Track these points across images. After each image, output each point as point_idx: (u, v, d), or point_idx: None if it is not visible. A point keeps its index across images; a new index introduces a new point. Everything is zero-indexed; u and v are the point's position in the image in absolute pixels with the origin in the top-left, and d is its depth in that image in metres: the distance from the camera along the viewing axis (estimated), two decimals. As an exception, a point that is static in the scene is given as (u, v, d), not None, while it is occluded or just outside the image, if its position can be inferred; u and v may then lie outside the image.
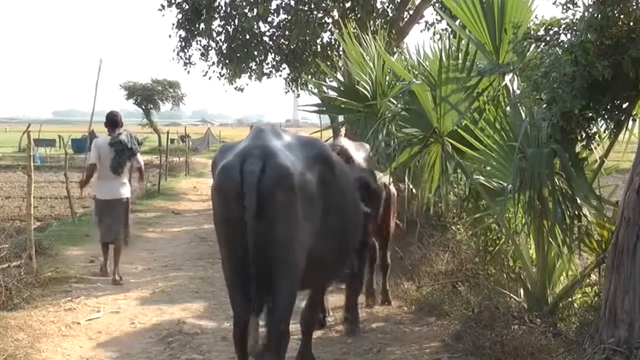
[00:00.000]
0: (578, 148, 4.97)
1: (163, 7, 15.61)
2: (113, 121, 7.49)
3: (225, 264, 3.75)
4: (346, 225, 4.25)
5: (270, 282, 3.50)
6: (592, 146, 4.90)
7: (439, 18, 16.05)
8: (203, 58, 16.49)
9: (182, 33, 16.00)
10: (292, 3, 14.76)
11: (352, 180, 4.72)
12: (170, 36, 16.17)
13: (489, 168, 5.73)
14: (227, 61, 16.04)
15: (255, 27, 15.34)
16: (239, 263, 3.54)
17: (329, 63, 13.96)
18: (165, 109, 42.95)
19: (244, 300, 3.56)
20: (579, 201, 4.87)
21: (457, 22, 7.18)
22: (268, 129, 3.93)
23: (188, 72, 17.48)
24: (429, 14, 24.74)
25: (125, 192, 7.55)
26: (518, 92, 5.31)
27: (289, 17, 14.76)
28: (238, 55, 15.59)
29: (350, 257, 4.72)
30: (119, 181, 7.45)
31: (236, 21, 15.24)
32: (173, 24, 15.86)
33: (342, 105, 7.91)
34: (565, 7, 4.53)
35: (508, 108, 5.50)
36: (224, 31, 15.68)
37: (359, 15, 14.02)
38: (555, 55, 4.48)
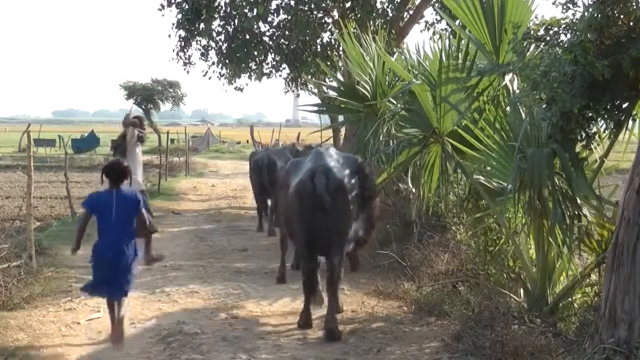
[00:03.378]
0: (578, 148, 4.97)
1: (163, 7, 15.60)
2: (126, 124, 8.47)
3: (299, 237, 5.85)
4: (371, 212, 6.25)
5: (329, 245, 5.60)
6: (592, 146, 4.91)
7: (439, 18, 16.04)
8: (203, 58, 16.47)
9: (182, 33, 15.98)
10: (292, 3, 14.74)
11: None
12: (170, 36, 16.17)
13: (489, 168, 5.73)
14: (227, 61, 16.01)
15: (255, 27, 15.32)
16: (308, 236, 5.65)
17: (329, 63, 13.96)
18: (165, 109, 42.97)
19: (311, 259, 5.71)
20: (579, 201, 4.87)
21: (457, 22, 7.18)
22: (324, 151, 6.03)
23: (187, 72, 17.48)
24: (429, 14, 24.75)
25: (135, 186, 8.07)
26: (518, 92, 5.31)
27: (289, 17, 14.73)
28: (238, 55, 15.57)
29: (372, 232, 6.65)
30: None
31: (236, 21, 15.22)
32: (173, 24, 15.84)
33: (342, 105, 7.91)
34: (565, 7, 4.53)
35: (508, 108, 5.51)
36: (223, 31, 15.66)
37: (359, 15, 14.00)
38: (554, 54, 4.48)
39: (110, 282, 5.14)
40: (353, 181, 5.78)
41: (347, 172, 5.79)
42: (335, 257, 5.63)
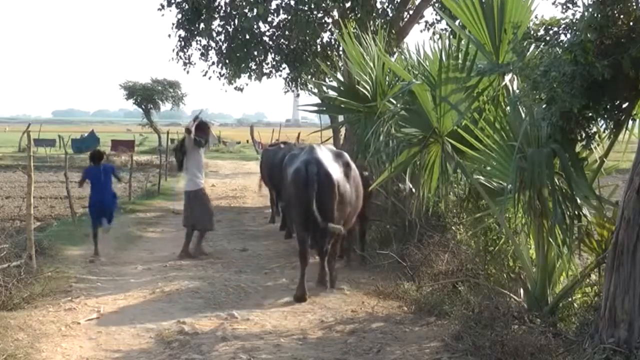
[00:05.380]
0: (578, 148, 4.96)
1: (163, 6, 15.61)
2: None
3: (295, 219, 6.96)
4: (357, 198, 7.25)
5: (318, 226, 6.55)
6: (592, 146, 4.90)
7: (439, 18, 16.06)
8: (203, 58, 16.49)
9: (182, 33, 16.00)
10: (292, 3, 14.75)
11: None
12: (170, 36, 16.19)
13: (489, 168, 5.73)
14: (227, 61, 16.04)
15: (255, 27, 15.33)
16: (303, 218, 6.67)
17: (329, 63, 13.96)
18: (165, 109, 42.93)
19: (306, 237, 6.77)
20: (579, 201, 4.87)
21: (457, 22, 7.18)
22: (316, 147, 7.02)
23: (187, 72, 17.51)
24: (429, 14, 24.75)
25: (191, 185, 9.03)
26: (518, 92, 5.31)
27: (289, 17, 14.75)
28: (238, 55, 15.58)
29: (356, 215, 7.52)
30: (187, 176, 9.06)
31: (236, 21, 15.23)
32: (173, 24, 15.87)
33: (342, 106, 7.92)
34: (565, 6, 4.53)
35: (508, 108, 5.51)
36: (223, 31, 15.68)
37: (359, 15, 14.01)
38: (554, 54, 4.48)
39: (99, 217, 8.90)
40: (340, 171, 6.86)
41: (335, 163, 6.87)
42: (325, 235, 6.72)
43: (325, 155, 6.91)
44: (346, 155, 7.26)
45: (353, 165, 7.25)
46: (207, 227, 9.06)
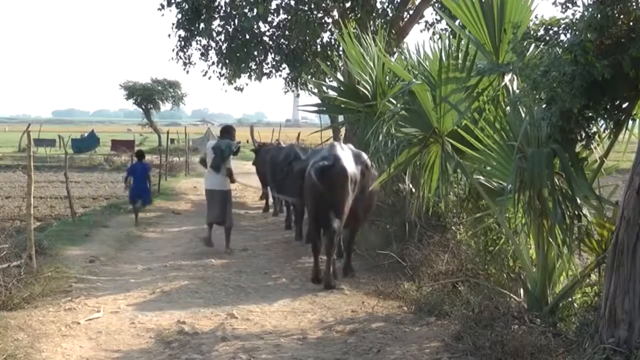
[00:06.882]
0: (578, 148, 4.97)
1: (163, 6, 15.61)
2: (221, 131, 9.80)
3: (310, 211, 7.46)
4: (371, 195, 7.59)
5: (329, 219, 6.97)
6: (592, 146, 4.90)
7: (439, 18, 16.07)
8: (203, 58, 16.49)
9: (182, 33, 16.00)
10: (292, 3, 14.76)
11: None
12: (169, 36, 16.18)
13: (489, 168, 5.73)
14: (227, 61, 16.04)
15: (255, 27, 15.34)
16: (316, 210, 7.14)
17: (329, 63, 13.96)
18: (165, 109, 43.00)
19: (317, 228, 7.17)
20: (579, 201, 4.87)
21: (457, 22, 7.18)
22: (337, 145, 7.47)
23: (187, 72, 17.52)
24: (429, 14, 24.73)
25: (223, 185, 9.35)
26: (518, 92, 5.31)
27: (289, 17, 14.75)
28: (238, 55, 15.58)
29: (371, 212, 8.05)
30: (218, 176, 9.25)
31: (236, 21, 15.24)
32: (173, 24, 15.87)
33: (342, 105, 7.92)
34: (564, 6, 4.53)
35: (508, 108, 5.51)
36: (223, 31, 15.68)
37: (359, 15, 14.02)
38: (554, 54, 4.48)
39: (137, 199, 11.80)
40: (357, 169, 7.16)
41: (353, 162, 7.17)
42: (334, 228, 7.04)
43: (345, 153, 7.23)
44: (365, 156, 7.42)
45: (370, 165, 7.42)
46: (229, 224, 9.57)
